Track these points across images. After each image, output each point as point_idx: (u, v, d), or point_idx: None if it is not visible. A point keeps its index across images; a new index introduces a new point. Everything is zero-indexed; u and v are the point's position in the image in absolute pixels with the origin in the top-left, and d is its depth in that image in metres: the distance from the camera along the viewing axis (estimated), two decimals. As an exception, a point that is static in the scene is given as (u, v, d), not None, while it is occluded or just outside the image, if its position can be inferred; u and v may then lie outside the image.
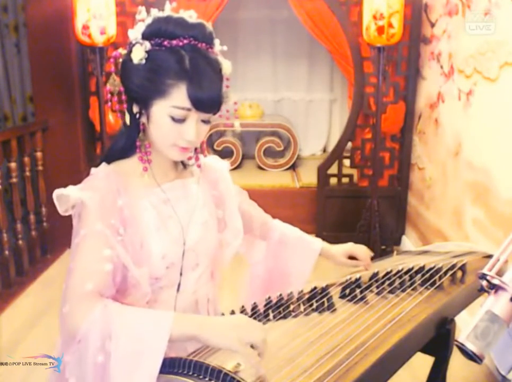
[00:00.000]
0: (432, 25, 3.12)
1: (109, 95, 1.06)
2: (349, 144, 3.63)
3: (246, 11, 4.57)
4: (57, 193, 1.00)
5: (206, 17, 3.27)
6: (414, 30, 3.31)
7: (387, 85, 3.35)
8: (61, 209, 1.00)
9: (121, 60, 1.05)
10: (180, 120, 1.01)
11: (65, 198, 0.99)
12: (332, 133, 5.00)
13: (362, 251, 1.40)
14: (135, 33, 1.03)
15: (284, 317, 1.05)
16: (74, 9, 2.87)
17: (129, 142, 1.09)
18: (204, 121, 1.04)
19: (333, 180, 3.66)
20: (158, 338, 0.84)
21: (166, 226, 1.08)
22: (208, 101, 1.00)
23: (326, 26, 3.43)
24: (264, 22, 4.68)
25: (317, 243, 1.41)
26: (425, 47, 3.26)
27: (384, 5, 2.87)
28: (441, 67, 2.94)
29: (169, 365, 0.88)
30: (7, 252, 2.94)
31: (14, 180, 3.03)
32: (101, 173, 1.06)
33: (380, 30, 2.91)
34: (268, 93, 4.92)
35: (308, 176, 3.96)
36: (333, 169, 3.62)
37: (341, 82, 4.74)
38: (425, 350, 1.23)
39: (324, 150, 5.01)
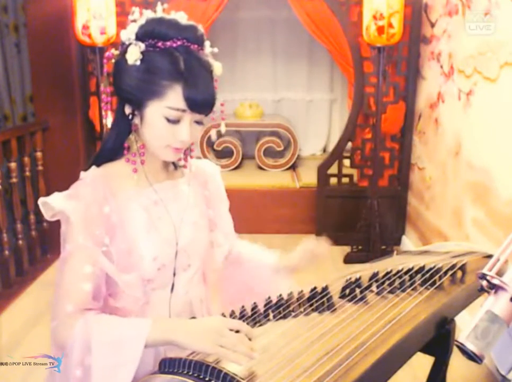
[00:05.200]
0: (432, 25, 3.12)
1: (103, 96, 1.07)
2: (349, 144, 3.63)
3: (246, 11, 4.56)
4: (42, 201, 1.00)
5: (207, 17, 3.27)
6: (414, 30, 3.32)
7: (387, 85, 3.35)
8: (47, 215, 1.01)
9: (113, 60, 1.05)
10: (174, 121, 1.01)
11: (50, 206, 1.00)
12: (332, 133, 5.00)
13: (318, 245, 1.30)
14: (128, 34, 1.03)
15: (284, 317, 1.04)
16: (74, 9, 2.88)
17: (119, 144, 1.09)
18: (197, 122, 1.05)
19: (333, 180, 3.66)
20: (134, 349, 0.88)
21: (156, 227, 1.08)
22: (202, 102, 1.01)
23: (326, 26, 3.43)
24: (264, 22, 4.67)
25: (271, 258, 1.33)
26: (425, 47, 3.26)
27: (383, 5, 2.87)
28: (441, 67, 2.94)
29: (169, 365, 0.88)
30: (7, 252, 2.94)
31: (14, 180, 3.04)
32: (88, 178, 1.05)
33: (380, 30, 2.91)
34: (268, 93, 4.92)
35: (308, 176, 3.95)
36: (333, 169, 3.62)
37: (341, 82, 4.74)
38: (425, 350, 1.22)
39: (324, 150, 5.01)
